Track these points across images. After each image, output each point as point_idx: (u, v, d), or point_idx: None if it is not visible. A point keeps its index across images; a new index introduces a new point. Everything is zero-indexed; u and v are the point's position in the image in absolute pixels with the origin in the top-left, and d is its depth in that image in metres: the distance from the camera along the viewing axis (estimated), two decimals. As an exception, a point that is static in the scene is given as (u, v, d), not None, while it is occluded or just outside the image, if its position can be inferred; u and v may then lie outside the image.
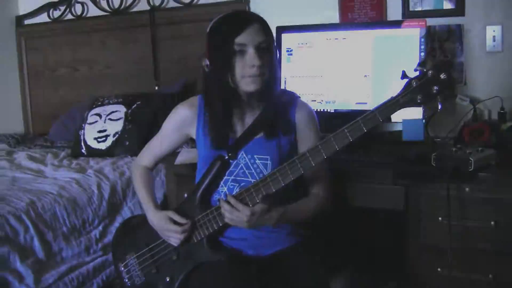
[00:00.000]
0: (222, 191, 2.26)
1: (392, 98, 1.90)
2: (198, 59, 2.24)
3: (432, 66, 1.88)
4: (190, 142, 2.55)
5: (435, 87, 1.85)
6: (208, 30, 2.19)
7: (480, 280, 2.48)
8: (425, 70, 1.87)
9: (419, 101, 1.87)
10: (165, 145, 2.47)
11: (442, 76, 1.84)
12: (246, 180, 2.23)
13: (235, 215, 2.10)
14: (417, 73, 1.90)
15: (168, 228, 2.27)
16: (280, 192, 2.13)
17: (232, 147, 2.24)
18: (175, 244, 2.29)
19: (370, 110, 1.94)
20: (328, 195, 2.35)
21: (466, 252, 2.50)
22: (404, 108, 1.91)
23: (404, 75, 1.90)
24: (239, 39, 2.08)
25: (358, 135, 1.94)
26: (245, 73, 2.11)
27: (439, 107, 1.92)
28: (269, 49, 2.14)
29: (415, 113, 2.68)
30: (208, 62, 2.17)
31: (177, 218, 2.26)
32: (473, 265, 2.50)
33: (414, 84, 1.87)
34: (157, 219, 2.33)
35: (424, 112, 1.95)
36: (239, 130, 2.26)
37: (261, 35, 2.11)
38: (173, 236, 2.27)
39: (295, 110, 2.27)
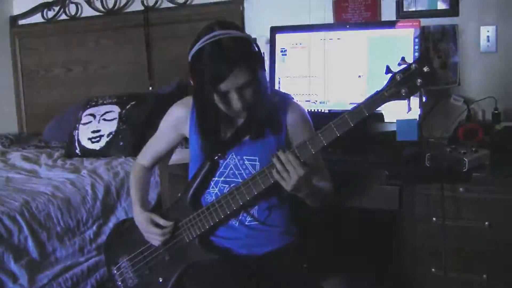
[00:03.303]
0: (213, 192, 2.27)
1: (378, 92, 1.92)
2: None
3: (415, 60, 1.90)
4: (184, 142, 2.56)
5: (419, 80, 1.87)
6: (190, 57, 2.06)
7: (474, 280, 2.49)
8: (408, 64, 1.89)
9: (403, 94, 1.89)
10: (162, 144, 2.49)
11: (425, 69, 1.87)
12: (236, 180, 2.22)
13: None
14: (400, 67, 1.91)
15: (149, 230, 2.30)
16: (275, 193, 2.17)
17: (221, 148, 2.24)
18: (156, 245, 2.32)
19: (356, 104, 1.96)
20: (332, 182, 2.33)
21: (460, 252, 2.50)
22: (390, 102, 1.92)
23: (388, 70, 1.92)
24: (221, 87, 2.01)
25: (345, 129, 1.94)
26: (229, 111, 2.11)
27: (424, 99, 1.95)
28: (252, 84, 2.05)
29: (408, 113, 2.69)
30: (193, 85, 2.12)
31: (160, 221, 2.29)
32: (467, 265, 2.50)
33: (398, 77, 1.89)
34: (140, 218, 2.35)
35: (409, 105, 1.96)
36: (229, 131, 2.25)
37: (244, 75, 2.01)
38: (154, 238, 2.30)
39: (287, 112, 2.24)
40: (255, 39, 2.11)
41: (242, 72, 1.99)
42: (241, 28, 2.16)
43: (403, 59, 1.93)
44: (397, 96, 1.91)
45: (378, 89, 1.92)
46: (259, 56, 2.10)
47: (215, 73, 1.98)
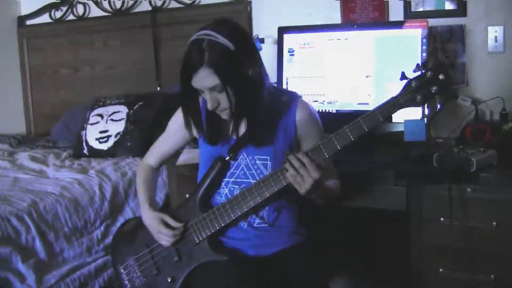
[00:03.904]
0: (223, 193, 2.27)
1: (393, 98, 1.92)
2: None
3: (431, 67, 1.90)
4: (192, 142, 2.55)
5: (434, 87, 1.88)
6: None
7: (482, 280, 2.48)
8: (424, 71, 1.89)
9: (418, 100, 1.90)
10: (169, 144, 2.51)
11: (441, 76, 1.88)
12: (246, 181, 2.23)
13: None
14: (416, 74, 1.91)
15: (159, 230, 2.29)
16: (285, 194, 2.16)
17: (233, 148, 2.24)
18: (165, 246, 2.31)
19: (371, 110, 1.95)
20: (340, 184, 2.33)
21: (468, 252, 2.50)
22: (404, 108, 1.92)
23: (403, 76, 1.92)
24: (192, 83, 2.07)
25: (359, 134, 1.95)
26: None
27: (438, 106, 1.94)
28: (224, 91, 2.05)
29: (416, 113, 2.68)
30: None
31: (170, 221, 2.29)
32: (475, 265, 2.49)
33: (413, 84, 1.90)
34: (150, 218, 2.34)
35: (424, 111, 1.96)
36: (240, 131, 2.24)
37: (211, 79, 2.03)
38: (164, 239, 2.29)
39: (296, 109, 2.24)
40: (262, 39, 2.09)
41: (209, 75, 2.02)
42: (239, 32, 2.11)
43: (418, 66, 1.92)
44: (412, 103, 1.91)
45: (394, 95, 1.92)
46: (236, 67, 2.06)
47: (184, 69, 2.07)
